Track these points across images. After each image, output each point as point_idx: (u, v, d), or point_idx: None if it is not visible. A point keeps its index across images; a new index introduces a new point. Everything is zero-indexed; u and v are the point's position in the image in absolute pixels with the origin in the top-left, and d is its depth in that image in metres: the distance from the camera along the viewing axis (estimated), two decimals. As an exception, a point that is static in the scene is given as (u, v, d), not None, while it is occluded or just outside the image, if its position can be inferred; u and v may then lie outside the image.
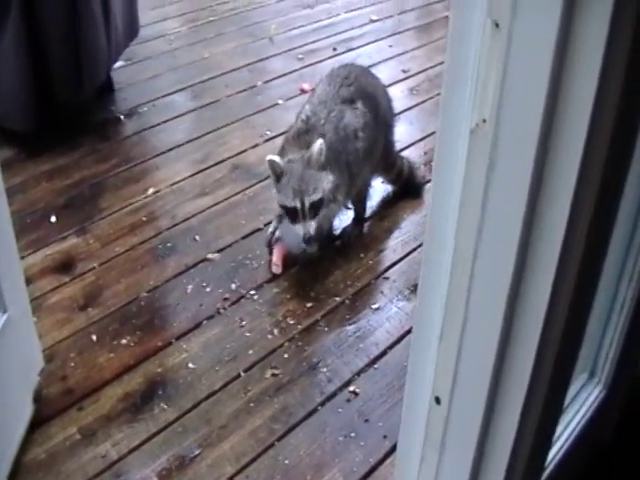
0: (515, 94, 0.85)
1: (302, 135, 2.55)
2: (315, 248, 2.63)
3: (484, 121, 0.89)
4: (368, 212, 2.91)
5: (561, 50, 0.81)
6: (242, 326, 2.38)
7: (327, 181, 2.46)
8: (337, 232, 2.82)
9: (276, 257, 2.62)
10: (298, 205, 2.43)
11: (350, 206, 2.84)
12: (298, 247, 2.65)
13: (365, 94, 2.70)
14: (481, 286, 1.00)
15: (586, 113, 0.83)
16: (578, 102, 0.83)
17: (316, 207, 2.45)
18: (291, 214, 2.46)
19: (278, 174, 2.45)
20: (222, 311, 2.44)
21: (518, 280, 0.96)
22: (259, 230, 2.80)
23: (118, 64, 3.82)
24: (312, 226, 2.45)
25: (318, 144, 2.43)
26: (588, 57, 0.81)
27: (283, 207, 2.48)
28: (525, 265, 0.95)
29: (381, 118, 2.77)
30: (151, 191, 3.03)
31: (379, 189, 3.02)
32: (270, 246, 2.68)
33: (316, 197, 2.44)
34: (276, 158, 2.46)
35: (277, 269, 2.60)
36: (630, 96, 0.86)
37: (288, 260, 2.65)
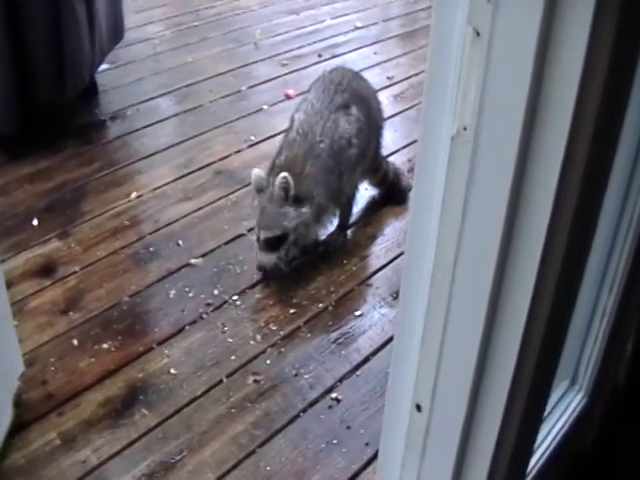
0: (495, 102, 0.86)
1: (294, 157, 2.55)
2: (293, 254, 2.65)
3: (465, 128, 0.89)
4: (352, 218, 2.91)
5: (541, 58, 0.82)
6: (224, 332, 2.37)
7: (294, 216, 2.48)
8: (321, 238, 2.81)
9: None
10: (255, 236, 2.53)
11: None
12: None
13: (358, 98, 2.71)
14: (461, 293, 1.00)
15: (566, 120, 0.83)
16: (558, 110, 0.83)
17: (271, 243, 2.49)
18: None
19: (257, 191, 2.52)
20: (204, 316, 2.43)
21: (498, 287, 0.96)
22: (242, 235, 2.79)
23: (102, 67, 3.81)
24: (266, 258, 2.50)
25: (280, 178, 2.43)
26: (568, 64, 0.81)
27: None
28: (505, 272, 0.95)
29: (373, 121, 2.79)
30: (134, 195, 3.02)
31: (364, 195, 3.02)
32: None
33: (271, 234, 2.48)
34: (261, 174, 2.52)
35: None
36: (610, 102, 0.87)
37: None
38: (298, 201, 2.47)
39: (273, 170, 2.53)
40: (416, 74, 4.08)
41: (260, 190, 2.50)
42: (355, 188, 2.81)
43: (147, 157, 3.30)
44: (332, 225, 2.78)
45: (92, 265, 2.64)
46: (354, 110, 2.65)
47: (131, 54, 4.26)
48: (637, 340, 1.85)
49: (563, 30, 0.79)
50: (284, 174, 2.43)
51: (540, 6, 0.79)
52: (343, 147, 2.60)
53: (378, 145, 2.91)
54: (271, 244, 2.49)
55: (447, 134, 0.92)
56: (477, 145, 0.89)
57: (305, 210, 2.49)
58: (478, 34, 0.86)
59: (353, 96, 2.69)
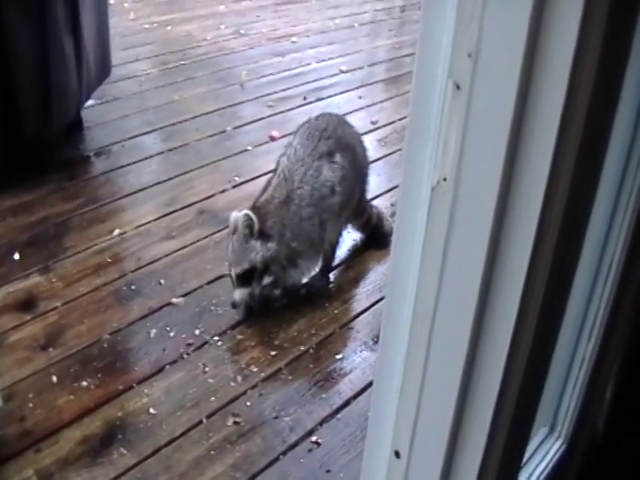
0: (475, 154, 0.88)
1: (271, 199, 2.59)
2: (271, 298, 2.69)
3: (445, 179, 0.91)
4: (336, 261, 2.91)
5: (520, 113, 0.84)
6: (205, 372, 2.37)
7: (260, 250, 2.52)
8: (303, 281, 2.81)
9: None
10: (230, 274, 2.56)
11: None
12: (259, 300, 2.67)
13: (343, 146, 2.72)
14: (440, 340, 1.01)
15: (544, 173, 0.85)
16: (536, 163, 0.85)
17: (243, 278, 2.53)
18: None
19: (232, 233, 2.55)
20: (185, 356, 2.42)
21: (477, 334, 0.97)
22: (225, 276, 2.79)
23: (89, 103, 3.82)
24: (239, 293, 2.54)
25: (242, 215, 2.49)
26: (546, 119, 0.83)
27: None
28: (484, 320, 0.96)
29: (358, 168, 2.80)
30: (117, 232, 3.02)
31: (346, 238, 3.03)
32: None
33: (240, 269, 2.52)
34: (238, 216, 2.53)
35: (239, 314, 2.61)
36: (589, 153, 0.89)
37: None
38: (264, 236, 2.52)
39: (252, 210, 2.56)
40: (400, 119, 4.13)
41: (234, 232, 2.53)
42: (338, 234, 2.82)
43: (131, 194, 3.31)
44: (314, 270, 2.79)
45: (73, 301, 2.63)
46: (338, 158, 2.67)
47: (117, 91, 4.29)
48: (616, 387, 1.86)
49: (541, 86, 0.82)
50: (246, 211, 2.50)
51: (519, 63, 0.81)
52: (325, 195, 2.61)
53: (363, 191, 2.93)
54: (243, 279, 2.53)
55: (428, 184, 0.94)
56: (456, 196, 0.90)
57: (271, 245, 2.51)
58: (458, 87, 0.88)
59: (338, 143, 2.70)
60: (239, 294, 2.54)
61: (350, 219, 2.93)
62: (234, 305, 2.55)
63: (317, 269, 2.81)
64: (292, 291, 2.73)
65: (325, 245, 2.72)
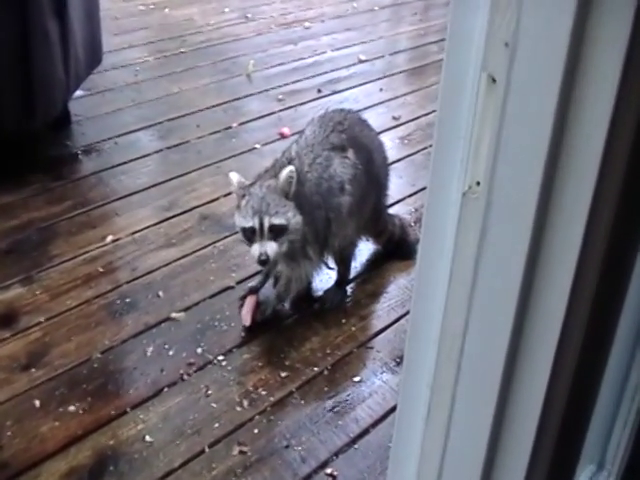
0: (511, 156, 0.87)
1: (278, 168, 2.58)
2: (270, 311, 2.68)
3: (477, 184, 0.90)
4: (352, 273, 2.91)
5: (564, 109, 0.83)
6: (208, 395, 2.36)
7: (294, 215, 2.48)
8: (317, 294, 2.81)
9: (246, 308, 2.63)
10: (256, 224, 2.45)
11: (332, 266, 2.84)
12: (272, 302, 2.67)
13: (358, 145, 2.71)
14: (472, 364, 1.00)
15: (591, 178, 0.84)
16: (582, 166, 0.84)
17: (277, 232, 2.46)
18: (248, 235, 2.48)
19: (241, 195, 2.50)
20: (186, 378, 2.42)
21: (513, 359, 0.96)
22: (230, 288, 2.79)
23: (77, 94, 3.83)
24: (270, 247, 2.46)
25: (287, 171, 2.47)
26: (594, 118, 0.82)
27: (242, 230, 2.50)
28: (521, 342, 0.95)
29: (374, 176, 2.78)
30: (109, 239, 3.03)
31: (364, 247, 3.03)
32: (243, 298, 2.69)
33: (277, 221, 2.46)
34: (242, 179, 2.54)
35: (246, 320, 2.60)
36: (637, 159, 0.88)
37: (257, 312, 2.65)
38: (296, 203, 2.51)
39: (261, 178, 2.57)
40: (425, 114, 4.13)
41: (241, 196, 2.51)
42: (352, 244, 2.82)
43: (125, 197, 3.32)
44: (321, 270, 2.78)
45: (60, 316, 2.63)
46: (351, 154, 2.66)
47: (109, 81, 4.31)
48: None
49: (588, 82, 0.81)
50: (292, 167, 2.49)
51: (564, 51, 0.80)
52: (333, 190, 2.60)
53: (379, 206, 2.91)
54: (275, 233, 2.47)
55: (458, 189, 0.93)
56: (490, 202, 0.90)
57: (299, 216, 2.51)
58: (494, 81, 0.87)
59: (352, 140, 2.70)
60: (270, 247, 2.46)
61: (366, 235, 2.93)
62: (264, 261, 2.47)
63: (322, 272, 2.82)
64: (305, 305, 2.73)
65: (330, 246, 2.69)
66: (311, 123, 2.76)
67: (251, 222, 2.45)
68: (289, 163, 2.56)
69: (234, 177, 2.55)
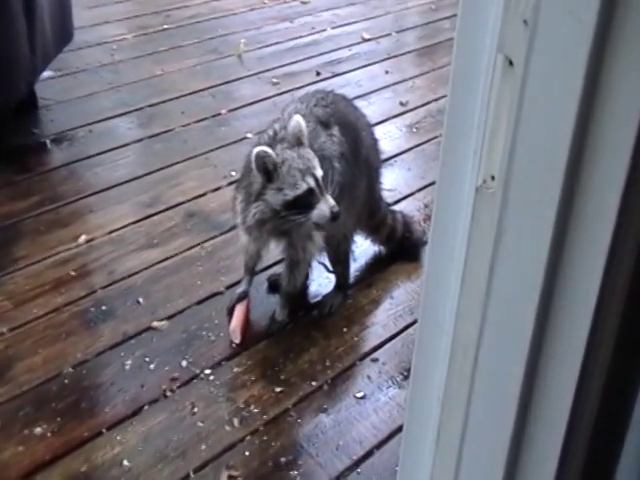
0: (530, 147, 0.87)
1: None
2: (285, 314, 2.71)
3: (492, 178, 0.90)
4: (353, 276, 2.92)
5: (590, 96, 0.82)
6: (193, 414, 2.36)
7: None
8: (315, 299, 2.82)
9: (235, 322, 2.62)
10: (312, 183, 2.42)
11: (330, 268, 2.85)
12: (281, 310, 2.70)
13: (343, 122, 2.73)
14: (487, 379, 1.00)
15: (621, 171, 0.83)
16: (610, 159, 0.84)
17: (325, 183, 2.47)
18: (305, 201, 2.43)
19: (271, 169, 2.42)
20: (169, 394, 2.42)
21: (533, 373, 0.96)
22: (219, 294, 2.80)
23: (45, 75, 3.83)
24: (332, 200, 2.45)
25: (294, 120, 2.46)
26: (623, 105, 0.82)
27: (292, 201, 2.43)
28: (541, 354, 0.95)
29: (362, 157, 2.78)
30: (83, 239, 3.03)
31: (367, 247, 3.03)
32: (231, 308, 2.69)
33: (321, 171, 2.46)
34: (267, 148, 2.44)
35: (235, 336, 2.60)
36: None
37: (248, 326, 2.66)
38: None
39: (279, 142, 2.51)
40: (436, 99, 4.13)
41: (271, 170, 2.42)
42: (347, 240, 2.83)
43: (101, 191, 3.33)
44: (326, 279, 2.79)
45: (26, 325, 2.63)
46: (336, 132, 2.67)
47: (82, 61, 4.31)
48: None
49: (620, 61, 0.80)
50: (298, 116, 2.48)
51: (591, 29, 0.79)
52: (323, 164, 2.56)
53: (372, 193, 2.91)
54: (325, 184, 2.48)
55: (471, 183, 0.93)
56: (506, 199, 0.90)
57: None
58: (511, 63, 0.87)
59: (337, 117, 2.72)
60: (332, 200, 2.45)
61: (363, 230, 2.94)
62: (337, 214, 2.45)
63: (326, 282, 2.81)
64: (299, 306, 2.74)
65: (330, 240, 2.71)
66: (291, 102, 2.77)
67: (305, 185, 2.41)
68: (274, 137, 2.55)
69: (258, 151, 2.41)
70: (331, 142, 2.64)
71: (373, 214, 2.92)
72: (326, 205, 2.42)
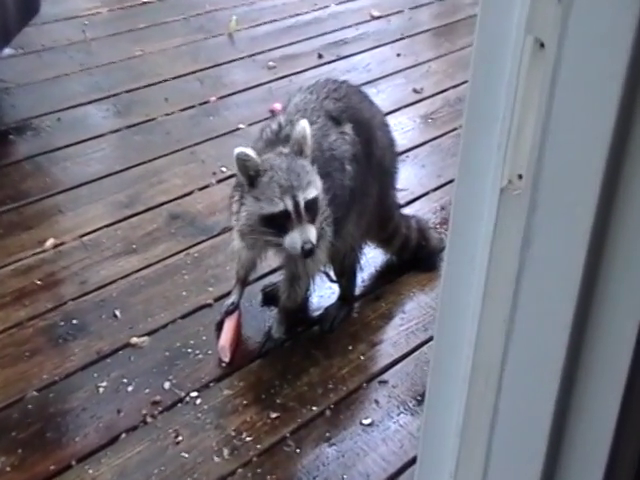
0: (564, 142, 0.86)
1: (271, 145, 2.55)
2: (282, 331, 2.70)
3: (519, 177, 0.90)
4: (359, 287, 2.92)
5: (632, 83, 0.82)
6: (178, 443, 2.36)
7: (318, 181, 2.47)
8: (316, 313, 2.81)
9: (224, 338, 2.62)
10: (290, 206, 2.39)
11: (333, 278, 2.85)
12: (278, 327, 2.69)
13: (357, 118, 2.72)
14: (512, 408, 1.00)
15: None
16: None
17: (313, 210, 2.44)
18: (280, 222, 2.41)
19: (253, 175, 2.42)
20: (149, 420, 2.42)
21: (566, 401, 0.96)
22: (206, 307, 2.79)
23: (5, 53, 3.82)
24: (311, 232, 2.41)
25: (300, 125, 2.44)
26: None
27: (267, 217, 2.43)
28: (577, 379, 0.95)
29: (376, 160, 2.77)
30: (50, 244, 3.03)
31: (375, 254, 3.03)
32: (220, 323, 2.70)
33: (311, 194, 2.42)
34: (249, 151, 2.43)
35: (224, 354, 2.60)
36: None
37: (239, 343, 2.66)
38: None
39: (268, 146, 2.53)
40: (454, 86, 4.14)
41: (252, 176, 2.43)
42: (355, 249, 2.81)
43: (71, 189, 3.33)
44: (329, 289, 2.78)
45: (-17, 343, 2.63)
46: (348, 129, 2.66)
47: (49, 38, 4.31)
48: None
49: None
50: (304, 121, 2.46)
51: (636, 5, 0.79)
52: (334, 162, 2.60)
53: (386, 199, 2.90)
54: (313, 212, 2.44)
55: (495, 183, 0.93)
56: (535, 201, 0.89)
57: (320, 184, 2.48)
58: (542, 45, 0.87)
59: (350, 112, 2.71)
60: (312, 232, 2.42)
61: (373, 241, 2.94)
62: (310, 251, 2.42)
63: (329, 294, 2.81)
64: (298, 320, 2.74)
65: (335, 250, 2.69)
66: (299, 91, 2.76)
67: (282, 205, 2.39)
68: (278, 133, 2.56)
69: (240, 152, 2.42)
70: (342, 141, 2.64)
71: (385, 225, 2.91)
72: (299, 236, 2.39)
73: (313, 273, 2.69)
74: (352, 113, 2.70)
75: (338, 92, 2.72)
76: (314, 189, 2.43)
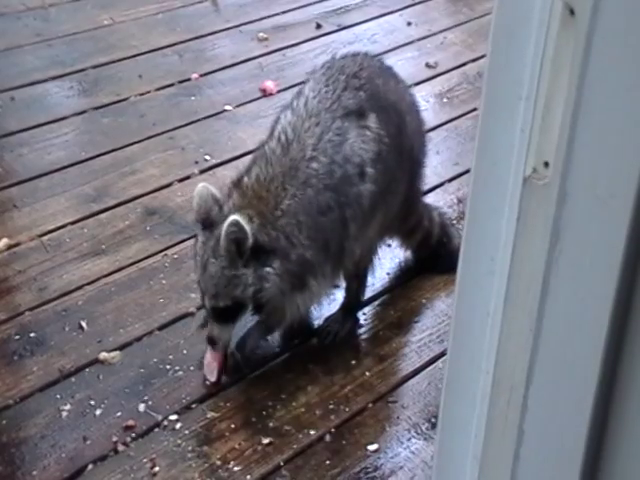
0: (598, 125, 0.87)
1: (269, 179, 2.56)
2: (270, 334, 2.78)
3: (546, 165, 0.90)
4: (366, 294, 2.91)
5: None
6: (154, 474, 2.36)
7: (253, 282, 2.51)
8: (315, 324, 2.81)
9: (213, 354, 2.62)
10: (200, 299, 2.60)
11: (339, 284, 2.85)
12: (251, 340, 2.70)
13: (383, 105, 2.71)
14: (539, 432, 1.00)
15: None
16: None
17: (223, 314, 2.55)
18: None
19: (201, 223, 2.55)
20: (121, 448, 2.42)
21: (601, 422, 0.96)
22: (188, 315, 2.80)
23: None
24: (218, 331, 2.56)
25: (228, 225, 2.43)
26: None
27: None
28: (613, 399, 0.95)
29: (406, 151, 2.78)
30: (3, 244, 3.03)
31: (383, 254, 3.02)
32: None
33: (219, 304, 2.53)
34: (211, 193, 2.53)
35: (210, 372, 2.60)
36: None
37: (227, 360, 2.66)
38: (261, 254, 2.50)
39: (233, 193, 2.56)
40: (473, 59, 4.14)
41: (207, 223, 2.51)
42: (371, 251, 2.82)
43: (28, 180, 3.34)
44: (326, 295, 2.79)
45: None
46: (373, 122, 2.65)
47: (-1, 2, 4.32)
48: None
49: None
50: (234, 218, 2.44)
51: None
52: (350, 177, 2.60)
53: (413, 192, 2.92)
54: (223, 315, 2.54)
55: (517, 172, 0.93)
56: (565, 192, 0.90)
57: (270, 270, 2.51)
58: (572, 12, 0.87)
59: (374, 100, 2.69)
60: (219, 332, 2.55)
61: (392, 232, 2.95)
62: (212, 341, 2.57)
63: (330, 300, 2.82)
64: (295, 332, 2.74)
65: (345, 261, 2.70)
66: (312, 77, 2.75)
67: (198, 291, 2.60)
68: (283, 148, 2.58)
69: (199, 191, 2.54)
70: (362, 140, 2.63)
71: (409, 215, 2.93)
72: (209, 327, 2.62)
73: (292, 318, 2.72)
74: (376, 100, 2.71)
75: (359, 77, 2.70)
76: (227, 300, 2.53)
